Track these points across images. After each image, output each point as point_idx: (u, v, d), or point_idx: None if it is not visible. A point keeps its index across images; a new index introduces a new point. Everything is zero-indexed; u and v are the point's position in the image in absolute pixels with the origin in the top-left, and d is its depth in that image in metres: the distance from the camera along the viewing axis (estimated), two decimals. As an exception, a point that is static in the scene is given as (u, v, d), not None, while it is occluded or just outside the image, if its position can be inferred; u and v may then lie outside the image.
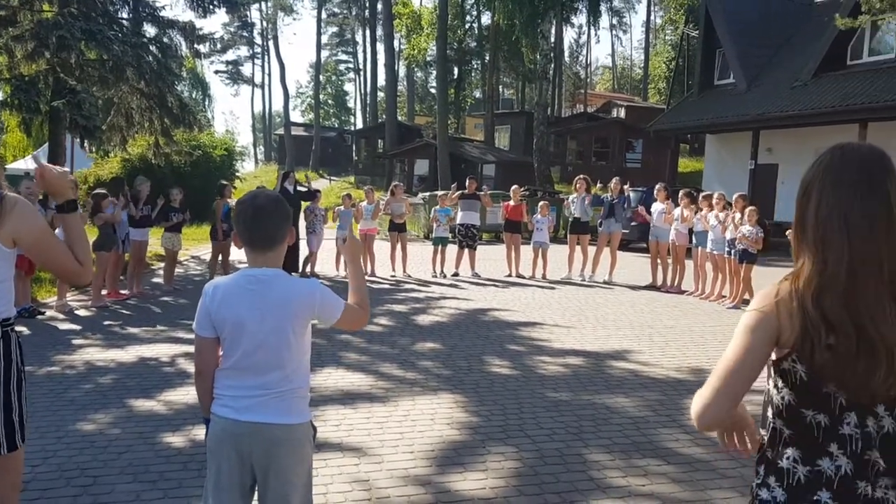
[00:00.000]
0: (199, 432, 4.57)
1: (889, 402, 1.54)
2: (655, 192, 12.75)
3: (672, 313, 9.98)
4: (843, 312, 1.49)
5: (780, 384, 1.59)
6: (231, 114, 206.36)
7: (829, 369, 1.50)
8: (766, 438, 1.65)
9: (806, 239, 1.60)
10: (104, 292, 10.13)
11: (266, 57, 71.49)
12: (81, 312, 9.38)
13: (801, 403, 1.56)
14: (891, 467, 1.54)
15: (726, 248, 10.76)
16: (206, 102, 73.41)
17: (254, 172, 52.92)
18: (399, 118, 48.00)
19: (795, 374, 1.55)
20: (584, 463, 4.49)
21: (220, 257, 12.21)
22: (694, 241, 11.79)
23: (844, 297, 1.50)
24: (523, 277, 13.27)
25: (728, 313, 10.12)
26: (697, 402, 1.63)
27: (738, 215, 10.60)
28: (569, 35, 71.91)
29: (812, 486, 1.54)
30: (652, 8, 65.75)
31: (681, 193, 12.15)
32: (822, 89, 19.37)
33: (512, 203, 13.76)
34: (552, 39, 35.67)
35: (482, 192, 14.16)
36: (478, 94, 56.21)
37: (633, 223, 17.42)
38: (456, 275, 13.33)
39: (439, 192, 18.13)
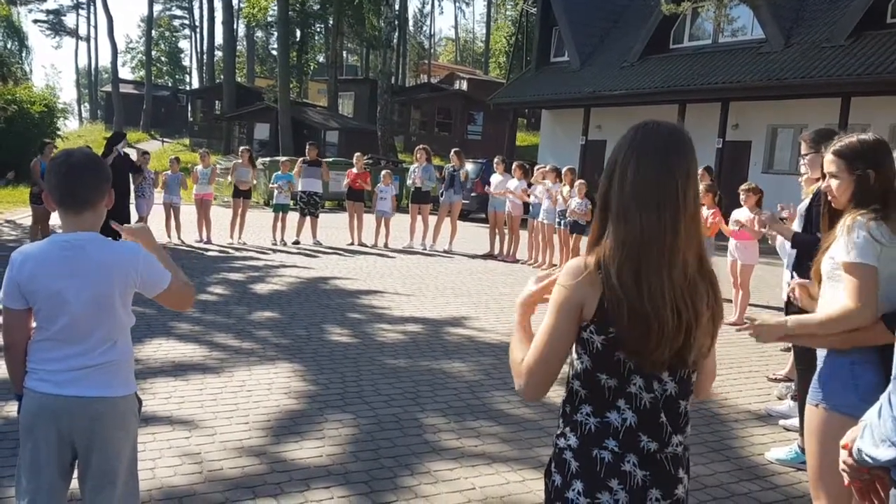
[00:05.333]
0: (12, 409, 4.24)
1: (671, 369, 1.70)
2: (494, 164, 13.15)
3: (507, 281, 10.38)
4: (633, 284, 1.61)
5: (579, 351, 1.71)
6: (52, 67, 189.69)
7: (622, 339, 1.63)
8: (564, 396, 1.78)
9: (611, 212, 1.68)
10: None
11: (92, 8, 66.09)
12: None
13: (595, 368, 1.69)
14: (674, 425, 1.71)
15: (557, 219, 11.30)
16: (24, 54, 66.94)
17: (78, 131, 48.94)
18: (238, 79, 46.06)
19: (592, 344, 1.67)
20: (421, 427, 4.61)
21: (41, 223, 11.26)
22: (529, 211, 12.28)
23: (635, 270, 1.62)
24: (365, 246, 13.28)
25: (559, 281, 10.65)
26: (522, 378, 1.74)
27: (567, 188, 11.13)
28: (413, 4, 71.95)
29: (601, 435, 1.69)
30: (494, -18, 66.99)
31: (514, 166, 12.59)
32: (647, 71, 20.64)
33: (355, 171, 13.68)
34: (396, 7, 35.52)
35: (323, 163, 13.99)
36: (321, 58, 55.02)
37: (472, 194, 17.91)
38: (297, 243, 13.11)
39: (280, 158, 17.67)
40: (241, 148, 14.08)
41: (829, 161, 2.82)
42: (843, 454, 1.83)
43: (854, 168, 2.71)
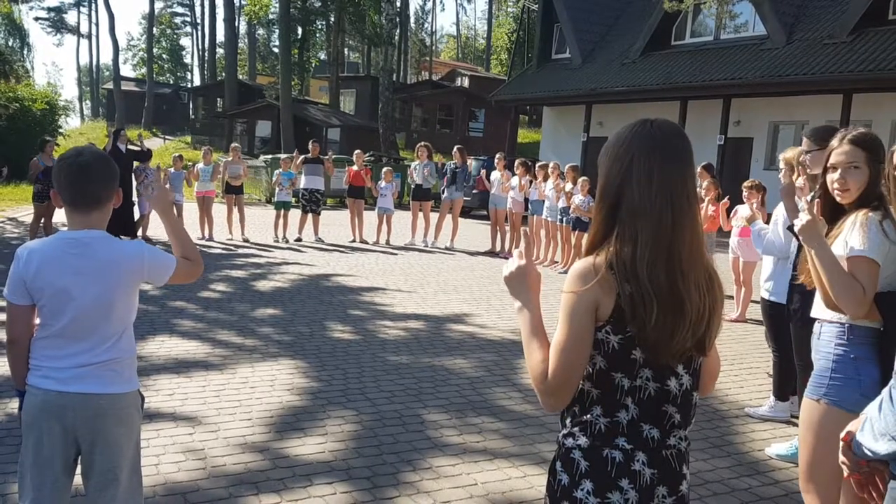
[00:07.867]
0: (15, 405, 4.26)
1: (686, 362, 1.70)
2: (495, 161, 13.17)
3: (509, 278, 10.37)
4: (664, 279, 1.61)
5: (592, 352, 1.67)
6: (54, 65, 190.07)
7: (643, 337, 1.62)
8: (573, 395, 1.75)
9: (628, 209, 1.65)
10: None
11: (93, 5, 66.17)
12: None
13: (611, 368, 1.67)
14: (684, 418, 1.72)
15: (559, 216, 11.30)
16: (25, 52, 66.98)
17: (80, 129, 49.02)
18: (240, 77, 46.11)
19: (608, 344, 1.65)
20: (423, 423, 4.63)
21: (42, 220, 11.29)
22: (530, 209, 12.29)
23: (666, 264, 1.62)
24: (367, 243, 13.30)
25: (560, 277, 10.67)
26: (543, 392, 1.68)
27: (570, 185, 11.13)
28: (414, 1, 71.80)
29: (611, 434, 1.68)
30: (496, -21, 66.91)
31: (516, 163, 12.60)
32: (648, 67, 20.62)
33: (355, 168, 13.70)
34: (398, 4, 35.50)
35: (326, 157, 14.00)
36: (323, 55, 55.06)
37: (474, 191, 17.90)
38: (299, 240, 13.13)
39: (282, 155, 17.69)
40: (232, 145, 14.25)
41: (847, 151, 2.66)
42: (842, 446, 1.85)
43: (875, 160, 2.65)
